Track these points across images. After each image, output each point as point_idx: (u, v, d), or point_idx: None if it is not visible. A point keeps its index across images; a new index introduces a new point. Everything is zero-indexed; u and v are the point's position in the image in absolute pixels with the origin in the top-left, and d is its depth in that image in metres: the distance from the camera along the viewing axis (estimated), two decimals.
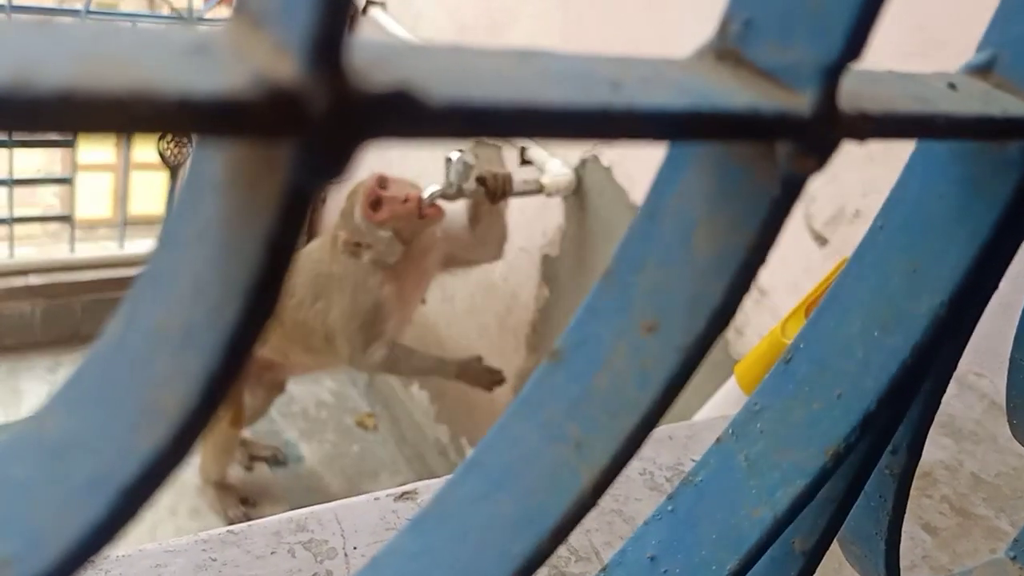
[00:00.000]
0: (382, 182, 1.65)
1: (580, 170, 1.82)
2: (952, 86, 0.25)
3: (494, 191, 1.66)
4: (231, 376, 0.16)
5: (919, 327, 0.28)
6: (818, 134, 0.20)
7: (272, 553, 0.55)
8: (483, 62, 0.17)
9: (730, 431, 0.32)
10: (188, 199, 0.16)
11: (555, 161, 1.84)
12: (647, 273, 0.23)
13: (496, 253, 1.79)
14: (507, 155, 1.99)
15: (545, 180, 1.80)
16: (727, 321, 0.22)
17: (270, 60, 0.14)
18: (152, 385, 0.16)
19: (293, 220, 0.14)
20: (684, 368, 0.23)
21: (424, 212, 1.62)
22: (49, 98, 0.12)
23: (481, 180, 1.64)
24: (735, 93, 0.19)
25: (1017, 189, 0.26)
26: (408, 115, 0.14)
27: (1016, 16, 0.27)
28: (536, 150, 1.88)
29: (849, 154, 1.46)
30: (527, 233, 1.98)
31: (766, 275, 1.47)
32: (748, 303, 1.49)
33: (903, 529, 0.68)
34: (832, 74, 0.19)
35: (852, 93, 0.21)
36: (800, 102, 0.20)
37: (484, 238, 1.75)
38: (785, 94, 0.20)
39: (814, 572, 0.33)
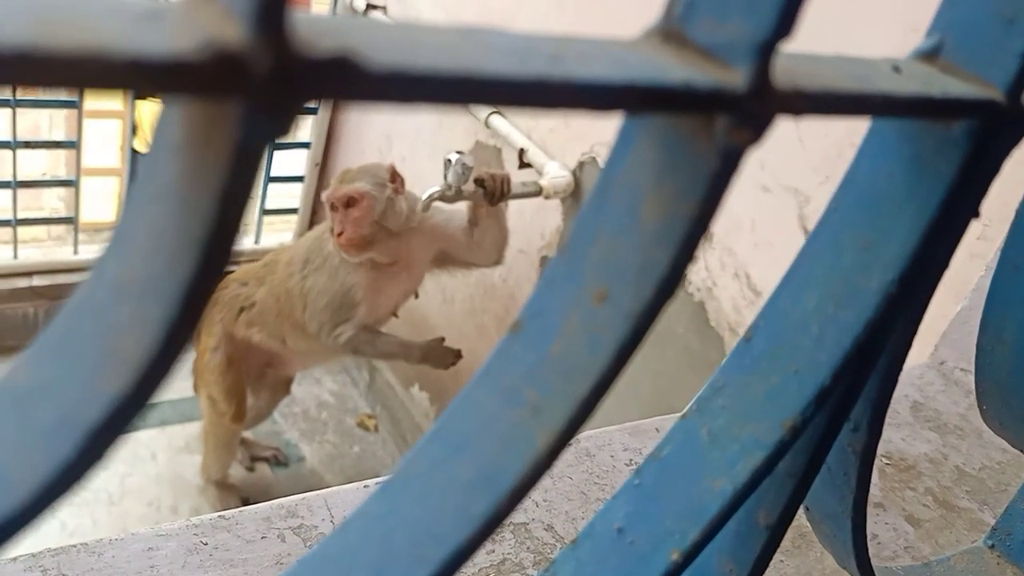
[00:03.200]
0: (351, 201, 1.62)
1: (578, 172, 1.84)
2: (896, 69, 0.26)
3: (492, 192, 1.67)
4: (189, 323, 0.17)
5: (871, 303, 0.29)
6: (752, 108, 0.21)
7: (262, 538, 0.56)
8: (428, 35, 0.18)
9: (694, 407, 0.33)
10: (150, 162, 0.17)
11: (553, 164, 1.85)
12: (599, 245, 0.24)
13: (495, 258, 1.80)
14: (506, 157, 2.01)
15: (543, 182, 1.81)
16: (673, 289, 0.23)
17: (218, 26, 0.15)
18: (114, 333, 0.17)
19: (242, 175, 0.16)
20: (633, 334, 0.24)
21: (348, 245, 1.61)
22: (8, 55, 0.13)
23: (479, 181, 1.66)
24: (672, 68, 0.20)
25: (962, 167, 0.27)
26: (348, 79, 0.15)
27: (961, 1, 0.28)
28: (535, 153, 1.90)
29: (843, 156, 1.47)
30: (525, 235, 1.99)
31: (760, 275, 1.48)
32: (744, 304, 1.50)
33: (886, 520, 0.69)
34: (765, 50, 0.20)
35: (790, 71, 0.22)
36: (735, 77, 0.21)
37: (481, 241, 1.76)
38: (721, 70, 0.21)
39: (778, 545, 0.34)
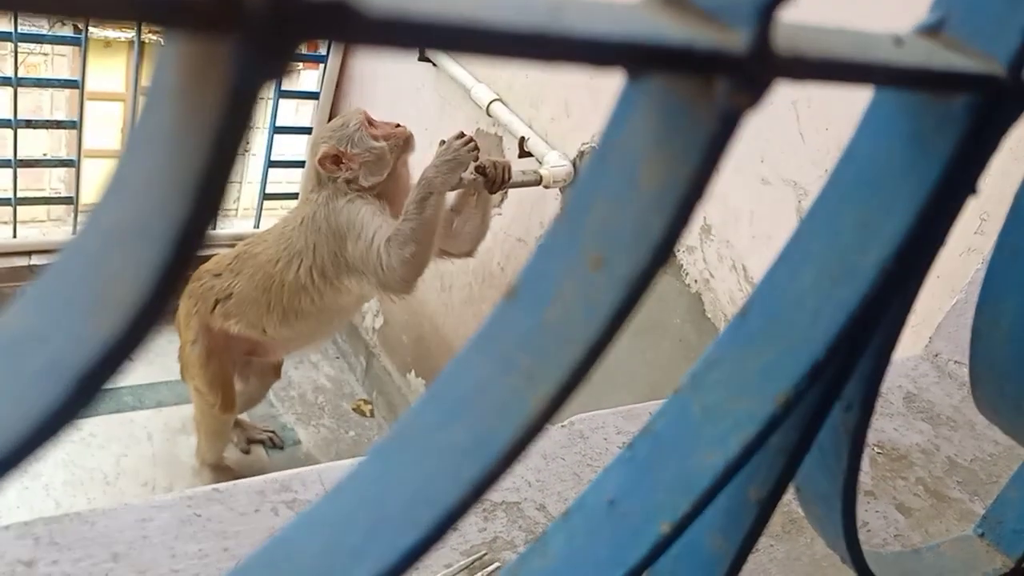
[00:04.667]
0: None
1: (578, 162, 1.83)
2: (898, 42, 0.26)
3: (493, 179, 1.67)
4: (180, 268, 0.17)
5: (867, 279, 0.29)
6: (752, 71, 0.21)
7: (256, 511, 0.56)
8: None
9: (688, 381, 0.33)
10: (146, 109, 0.17)
11: (554, 153, 1.85)
12: (596, 210, 0.24)
13: (469, 248, 1.80)
14: (506, 145, 2.00)
15: (544, 171, 1.81)
16: (668, 254, 0.23)
17: None
18: (106, 278, 0.17)
19: (237, 116, 0.15)
20: (628, 300, 0.24)
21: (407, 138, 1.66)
22: None
23: (481, 169, 1.65)
24: (673, 28, 0.20)
25: (961, 143, 0.27)
26: (344, 22, 0.15)
27: None
28: (536, 142, 1.89)
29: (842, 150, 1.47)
30: (524, 224, 1.99)
31: (758, 267, 1.48)
32: (740, 296, 1.50)
33: (877, 509, 0.69)
34: (765, 13, 0.20)
35: (792, 37, 0.22)
36: (735, 39, 0.21)
37: (459, 229, 1.77)
38: (722, 32, 0.21)
39: (768, 521, 0.34)
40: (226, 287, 1.80)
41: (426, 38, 0.17)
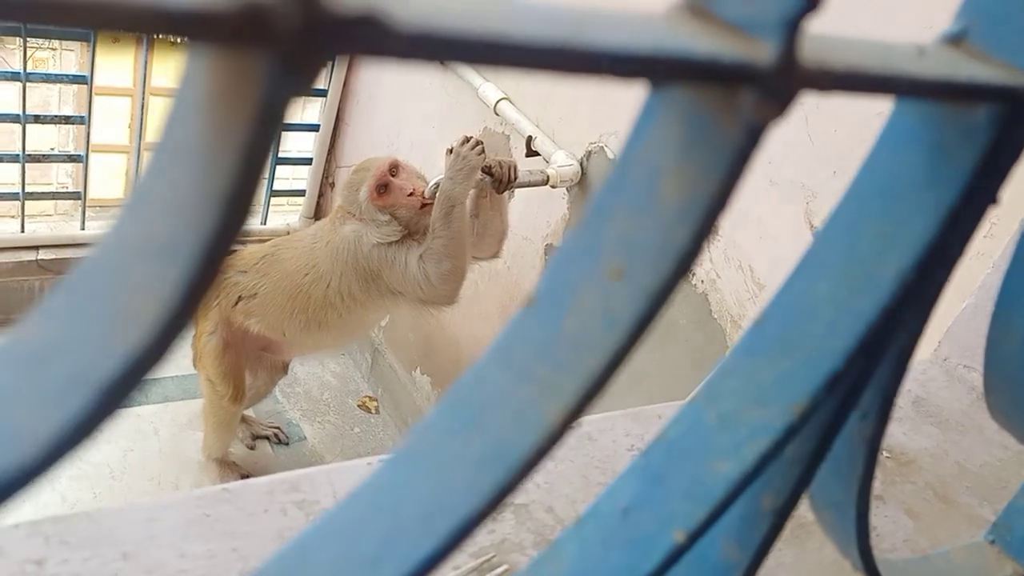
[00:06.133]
0: (394, 168, 1.68)
1: (585, 162, 1.83)
2: (922, 52, 0.26)
3: (500, 179, 1.66)
4: (206, 281, 0.17)
5: (886, 290, 0.29)
6: (778, 83, 0.21)
7: (264, 511, 0.56)
8: None
9: (704, 389, 0.33)
10: (172, 120, 0.17)
11: (560, 153, 1.84)
12: (617, 221, 0.24)
13: (494, 250, 1.80)
14: (514, 145, 2.00)
15: (550, 171, 1.80)
16: (691, 265, 0.23)
17: None
18: (130, 291, 0.17)
19: (266, 130, 0.15)
20: (649, 310, 0.23)
21: (424, 204, 1.66)
22: None
23: (487, 169, 1.65)
24: (699, 40, 0.20)
25: (984, 155, 0.27)
26: (375, 37, 0.15)
27: None
28: (543, 141, 1.89)
29: (853, 152, 1.46)
30: (531, 223, 1.98)
31: (764, 269, 1.47)
32: (747, 297, 1.49)
33: (886, 513, 0.69)
34: (792, 25, 0.20)
35: (817, 49, 0.22)
36: (762, 52, 0.20)
37: (482, 232, 1.76)
38: (748, 44, 0.21)
39: (782, 529, 0.34)
40: (252, 286, 1.81)
41: (454, 52, 0.17)
